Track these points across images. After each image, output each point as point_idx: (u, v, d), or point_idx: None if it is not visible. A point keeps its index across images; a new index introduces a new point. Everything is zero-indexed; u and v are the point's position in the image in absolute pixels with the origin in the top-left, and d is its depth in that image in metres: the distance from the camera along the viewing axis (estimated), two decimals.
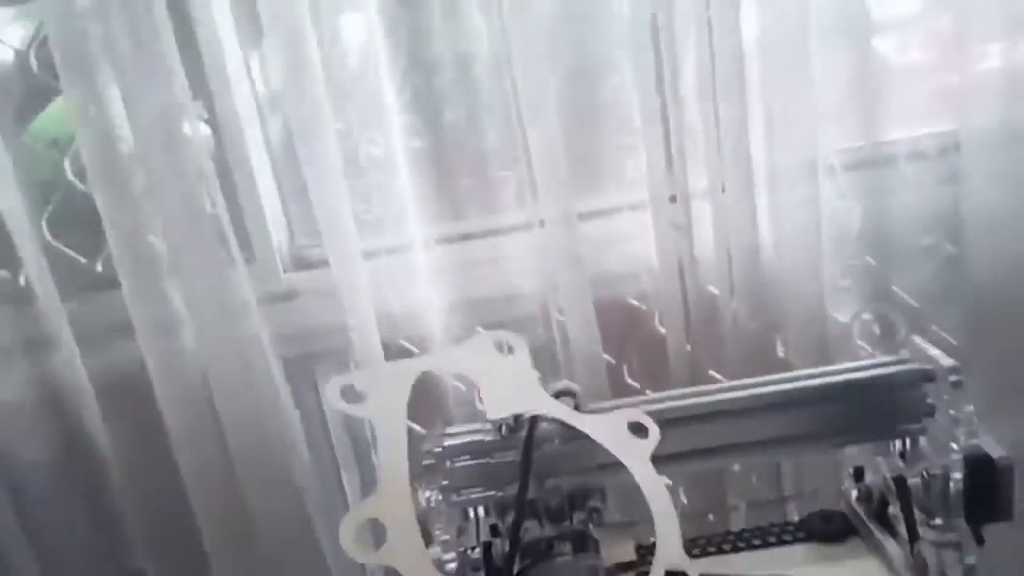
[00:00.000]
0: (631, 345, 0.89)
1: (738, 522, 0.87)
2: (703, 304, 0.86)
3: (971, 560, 0.56)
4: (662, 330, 0.87)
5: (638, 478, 0.54)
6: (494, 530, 0.58)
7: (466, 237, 0.86)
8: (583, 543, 0.57)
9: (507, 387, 0.55)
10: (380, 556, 0.52)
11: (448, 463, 0.58)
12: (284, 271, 0.88)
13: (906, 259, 0.88)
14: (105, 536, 0.88)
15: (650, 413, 0.56)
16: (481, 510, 0.59)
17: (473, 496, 0.58)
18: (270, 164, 0.88)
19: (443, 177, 0.83)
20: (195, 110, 0.78)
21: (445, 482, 0.57)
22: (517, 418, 0.57)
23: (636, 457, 0.54)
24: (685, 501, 0.90)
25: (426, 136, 0.80)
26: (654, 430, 0.54)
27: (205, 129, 0.82)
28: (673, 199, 0.83)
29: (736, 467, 0.88)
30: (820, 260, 0.83)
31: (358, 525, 0.52)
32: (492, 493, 0.58)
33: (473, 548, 0.58)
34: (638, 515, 0.89)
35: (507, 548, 0.55)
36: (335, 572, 0.93)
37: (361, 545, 0.52)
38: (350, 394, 0.54)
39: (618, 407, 0.56)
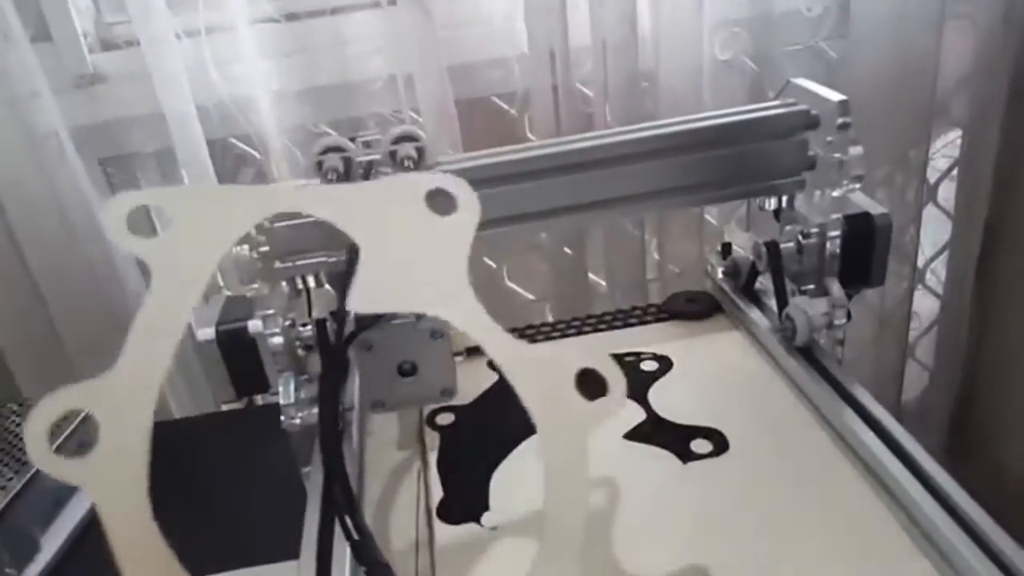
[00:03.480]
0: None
1: (602, 306, 0.82)
2: (575, 106, 0.78)
3: (840, 321, 0.52)
4: (531, 137, 0.79)
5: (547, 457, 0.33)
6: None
7: (303, 16, 0.75)
8: None
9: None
10: (76, 469, 0.33)
11: (267, 222, 0.48)
12: (90, 52, 0.75)
13: (793, 57, 0.83)
14: None
15: (503, 164, 0.49)
16: (312, 280, 0.51)
17: (299, 263, 0.50)
18: None
19: None
20: None
21: (265, 248, 0.49)
22: (348, 170, 0.49)
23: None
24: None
25: None
26: (620, 388, 0.32)
27: None
28: None
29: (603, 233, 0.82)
30: (701, 55, 0.76)
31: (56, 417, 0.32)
32: (323, 259, 0.50)
33: (304, 324, 0.50)
34: None
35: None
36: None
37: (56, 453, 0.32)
38: (144, 223, 0.35)
39: None
